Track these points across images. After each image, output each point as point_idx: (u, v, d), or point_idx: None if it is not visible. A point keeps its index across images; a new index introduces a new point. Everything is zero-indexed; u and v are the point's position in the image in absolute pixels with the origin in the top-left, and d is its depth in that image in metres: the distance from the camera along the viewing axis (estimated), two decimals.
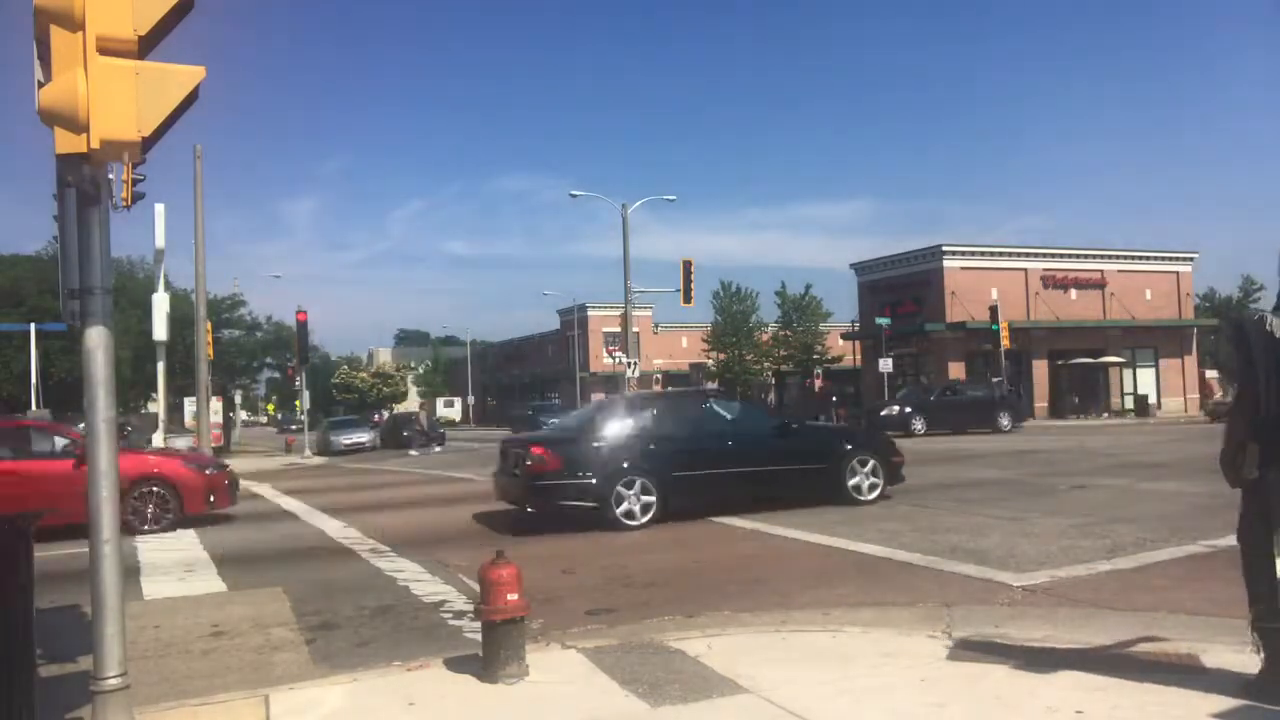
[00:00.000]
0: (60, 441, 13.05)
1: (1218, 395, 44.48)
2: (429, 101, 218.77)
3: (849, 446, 12.93)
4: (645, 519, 11.30)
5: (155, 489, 13.07)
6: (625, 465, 11.50)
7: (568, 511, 11.33)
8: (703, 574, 8.35)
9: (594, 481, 11.32)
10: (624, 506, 11.30)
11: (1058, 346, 46.91)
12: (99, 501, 4.16)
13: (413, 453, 36.89)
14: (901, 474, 13.01)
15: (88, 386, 4.18)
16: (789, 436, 12.96)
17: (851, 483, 12.47)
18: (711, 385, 37.76)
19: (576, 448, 11.79)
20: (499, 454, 13.16)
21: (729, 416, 13.32)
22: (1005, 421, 32.15)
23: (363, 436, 40.13)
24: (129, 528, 12.27)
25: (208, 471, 14.06)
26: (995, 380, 38.01)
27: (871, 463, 12.71)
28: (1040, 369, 46.54)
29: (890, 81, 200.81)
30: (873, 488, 12.57)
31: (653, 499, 11.42)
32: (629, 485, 11.37)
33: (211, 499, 13.59)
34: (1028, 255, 48.61)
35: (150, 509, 12.97)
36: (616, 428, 12.20)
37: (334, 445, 38.46)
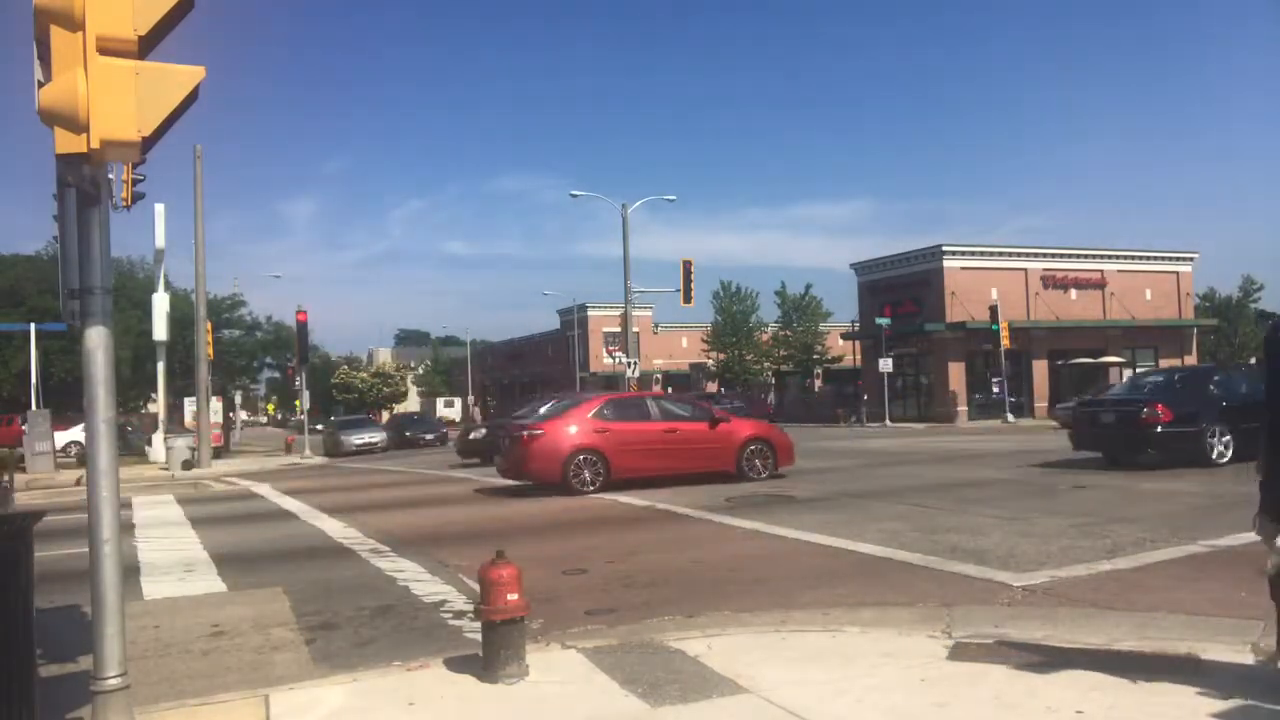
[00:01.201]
0: (689, 409, 17.90)
1: None
2: (429, 101, 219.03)
3: None
4: (1227, 458, 14.99)
5: (763, 447, 16.91)
6: (1210, 421, 15.32)
7: (1170, 453, 15.17)
8: (703, 574, 8.35)
9: (1193, 430, 15.23)
10: (1215, 450, 15.11)
11: (1058, 346, 46.93)
12: (99, 501, 4.16)
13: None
14: None
15: (88, 386, 4.18)
16: None
17: None
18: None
19: (1179, 406, 15.52)
20: (1079, 417, 17.85)
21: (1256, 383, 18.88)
22: None
23: (375, 436, 38.88)
24: (743, 475, 16.37)
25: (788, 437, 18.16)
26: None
27: None
28: (1040, 369, 46.56)
29: (891, 81, 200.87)
30: None
31: (1229, 443, 15.09)
32: (1213, 435, 15.20)
33: (789, 458, 17.38)
34: (1028, 255, 48.61)
35: (758, 462, 16.74)
36: (1201, 391, 16.28)
37: (345, 446, 37.27)
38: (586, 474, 15.58)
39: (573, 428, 16.09)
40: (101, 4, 3.89)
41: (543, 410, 18.80)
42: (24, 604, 4.03)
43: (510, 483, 18.84)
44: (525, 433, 16.32)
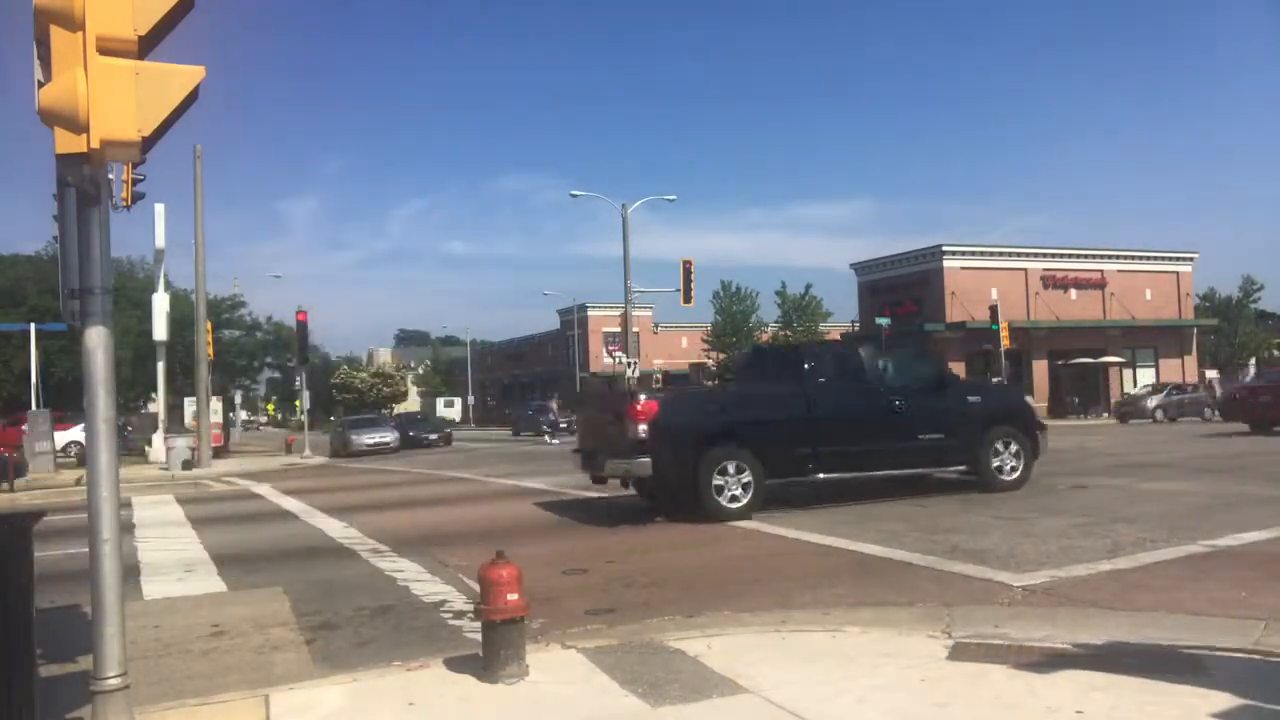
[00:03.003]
0: None
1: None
2: (429, 101, 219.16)
3: None
4: None
5: None
6: None
7: None
8: (703, 574, 8.35)
9: None
10: None
11: (1058, 346, 46.95)
12: (99, 501, 4.16)
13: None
14: None
15: (88, 386, 4.18)
16: None
17: None
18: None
19: None
20: None
21: None
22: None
23: (386, 436, 37.47)
24: None
25: None
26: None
27: None
28: (1040, 369, 46.57)
29: (891, 80, 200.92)
30: None
31: None
32: None
33: None
34: (1028, 255, 48.62)
35: None
36: None
37: (355, 445, 36.16)
38: None
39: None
40: (101, 4, 3.89)
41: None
42: (24, 604, 4.03)
43: (508, 482, 18.88)
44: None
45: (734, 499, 11.44)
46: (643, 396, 11.87)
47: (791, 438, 12.03)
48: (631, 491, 13.22)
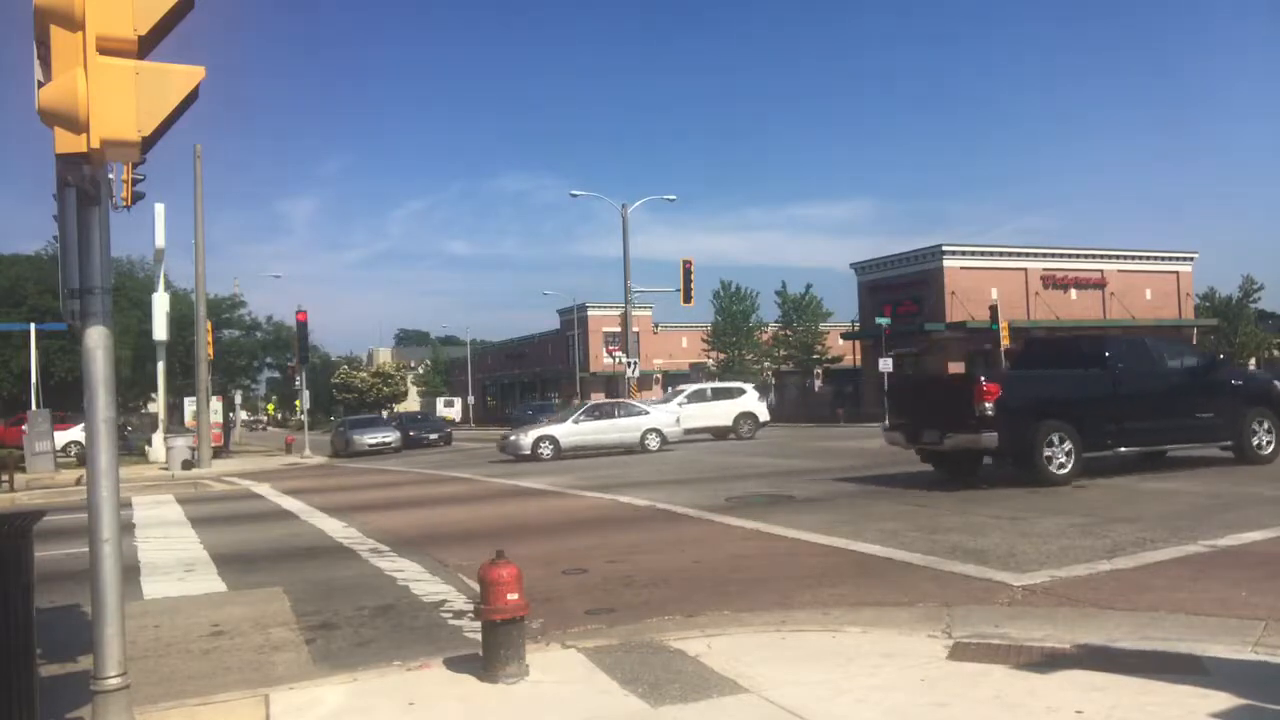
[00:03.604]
0: None
1: None
2: (429, 101, 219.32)
3: None
4: None
5: None
6: None
7: None
8: (703, 574, 8.35)
9: None
10: None
11: None
12: (99, 501, 4.16)
13: None
14: None
15: (88, 386, 4.18)
16: None
17: None
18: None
19: None
20: None
21: None
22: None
23: (388, 436, 37.77)
24: None
25: None
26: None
27: None
28: None
29: (891, 80, 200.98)
30: None
31: None
32: None
33: None
34: (1028, 255, 48.62)
35: None
36: None
37: (357, 445, 36.27)
38: None
39: None
40: (101, 4, 3.89)
41: None
42: (25, 603, 4.03)
43: (508, 482, 18.88)
44: None
45: (1061, 466, 13.15)
46: (984, 378, 13.32)
47: (1100, 415, 13.72)
48: (640, 495, 13.21)
